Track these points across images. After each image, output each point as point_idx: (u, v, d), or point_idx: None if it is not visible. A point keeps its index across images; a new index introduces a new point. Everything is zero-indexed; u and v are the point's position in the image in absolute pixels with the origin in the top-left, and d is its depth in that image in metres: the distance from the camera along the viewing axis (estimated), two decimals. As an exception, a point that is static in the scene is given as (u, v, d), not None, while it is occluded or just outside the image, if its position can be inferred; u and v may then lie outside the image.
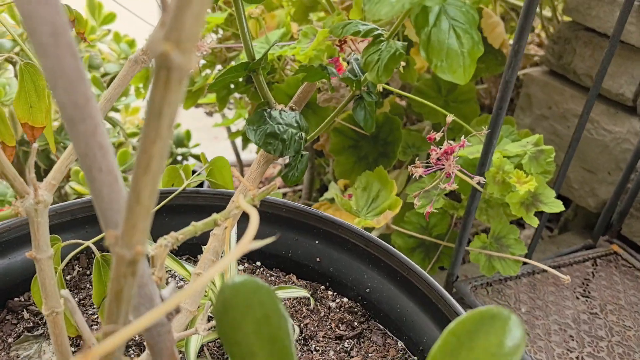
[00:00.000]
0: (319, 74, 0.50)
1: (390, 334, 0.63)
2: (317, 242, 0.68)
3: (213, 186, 0.69)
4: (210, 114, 1.80)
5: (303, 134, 0.53)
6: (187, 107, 1.20)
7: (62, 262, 0.53)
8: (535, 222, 0.80)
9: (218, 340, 0.57)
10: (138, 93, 1.22)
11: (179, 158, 1.55)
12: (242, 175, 1.72)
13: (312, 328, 0.61)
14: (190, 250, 0.72)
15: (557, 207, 0.80)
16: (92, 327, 0.61)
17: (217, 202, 0.69)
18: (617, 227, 1.13)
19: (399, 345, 0.61)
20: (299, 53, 0.84)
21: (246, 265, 0.70)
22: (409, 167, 0.71)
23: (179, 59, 0.20)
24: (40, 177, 1.24)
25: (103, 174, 0.27)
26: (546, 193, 0.82)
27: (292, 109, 0.54)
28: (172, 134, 0.23)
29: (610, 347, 0.85)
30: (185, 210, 0.70)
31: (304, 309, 0.64)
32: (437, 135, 0.67)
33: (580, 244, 1.38)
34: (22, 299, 0.63)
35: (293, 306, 0.64)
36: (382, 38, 0.43)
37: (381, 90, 0.62)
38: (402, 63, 0.78)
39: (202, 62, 1.12)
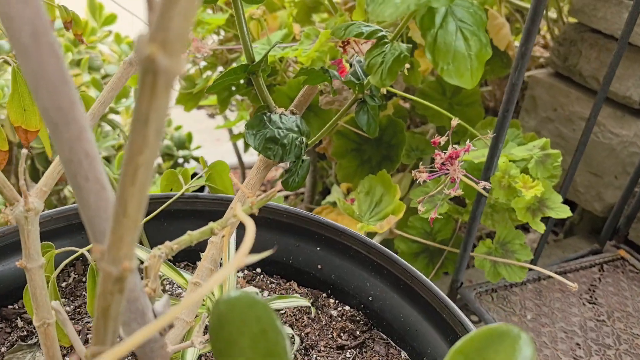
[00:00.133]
0: (320, 77, 0.48)
1: (393, 344, 0.61)
2: (318, 248, 0.66)
3: (212, 191, 0.68)
4: (212, 115, 1.79)
5: (304, 139, 0.51)
6: (188, 110, 1.19)
7: (56, 269, 0.52)
8: (541, 227, 0.78)
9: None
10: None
11: (180, 161, 1.54)
12: (244, 178, 1.71)
13: (313, 337, 0.60)
14: (189, 257, 0.71)
15: (564, 212, 0.79)
16: (88, 336, 0.60)
17: (216, 207, 0.67)
18: (624, 231, 1.11)
19: (402, 355, 0.60)
20: (301, 55, 0.83)
21: (246, 272, 0.69)
22: (413, 171, 0.70)
23: (166, 62, 0.18)
24: (39, 181, 1.23)
25: (90, 182, 0.25)
26: (553, 198, 0.81)
27: (292, 113, 0.53)
28: (161, 143, 0.21)
29: (618, 355, 0.83)
30: (183, 216, 0.68)
31: (304, 317, 0.62)
32: (442, 140, 0.65)
33: (586, 248, 1.36)
34: (16, 307, 0.62)
35: (294, 314, 0.62)
36: (385, 40, 0.42)
37: (385, 93, 0.60)
38: (407, 65, 0.77)
39: (203, 63, 1.10)
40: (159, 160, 1.63)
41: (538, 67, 1.44)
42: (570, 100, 1.24)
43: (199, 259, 0.56)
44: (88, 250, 0.52)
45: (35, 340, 0.58)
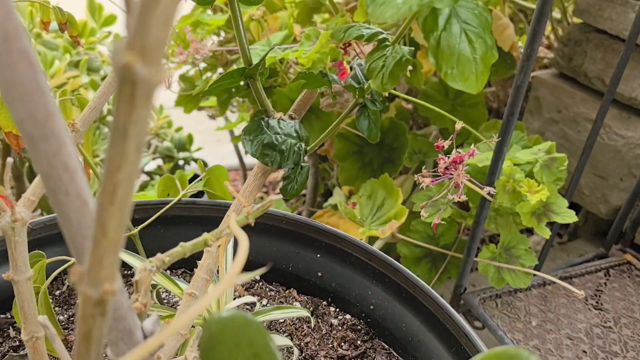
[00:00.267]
0: (319, 81, 0.46)
1: (395, 354, 0.59)
2: (318, 255, 0.64)
3: (210, 196, 0.66)
4: (213, 116, 1.78)
5: (303, 145, 0.50)
6: (188, 111, 1.17)
7: (48, 278, 0.50)
8: (547, 233, 0.76)
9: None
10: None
11: (181, 162, 1.52)
12: (245, 179, 1.69)
13: (313, 347, 0.58)
14: (186, 264, 0.69)
15: (570, 217, 0.77)
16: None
17: (214, 213, 0.66)
18: (631, 235, 1.09)
19: (405, 365, 0.58)
20: (302, 56, 0.81)
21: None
22: (416, 175, 0.68)
23: (145, 71, 0.17)
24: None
25: (70, 197, 0.24)
26: (558, 202, 0.79)
27: (291, 118, 0.51)
28: (141, 158, 0.19)
29: (625, 363, 0.82)
30: (180, 222, 0.67)
31: (304, 326, 0.61)
32: (445, 144, 0.64)
33: (591, 251, 1.34)
34: (9, 316, 0.60)
35: (293, 323, 0.61)
36: (387, 43, 0.40)
37: (386, 95, 0.59)
38: (409, 67, 0.75)
39: (203, 65, 1.09)
40: (159, 162, 1.62)
41: (542, 68, 1.42)
42: (575, 102, 1.22)
43: (197, 266, 0.55)
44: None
45: (28, 350, 0.57)
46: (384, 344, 0.61)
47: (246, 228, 0.37)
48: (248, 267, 0.69)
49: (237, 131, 1.60)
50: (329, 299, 0.65)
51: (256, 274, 0.26)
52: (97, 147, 1.14)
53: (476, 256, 0.86)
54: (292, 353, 0.55)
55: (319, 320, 0.62)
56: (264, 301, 0.64)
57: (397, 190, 0.85)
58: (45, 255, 0.49)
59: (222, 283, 0.24)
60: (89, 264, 0.22)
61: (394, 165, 0.97)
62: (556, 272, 0.99)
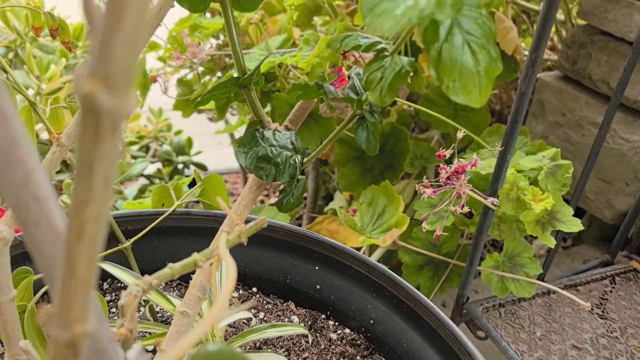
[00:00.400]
0: (315, 93, 0.45)
1: (396, 370, 0.58)
2: (317, 267, 0.63)
3: (206, 207, 0.65)
4: (212, 119, 1.76)
5: (299, 157, 0.48)
6: (186, 116, 1.16)
7: (35, 295, 0.48)
8: (552, 242, 0.74)
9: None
10: (135, 101, 1.17)
11: (180, 166, 1.51)
12: (245, 182, 1.67)
13: (311, 363, 0.56)
14: (182, 276, 0.67)
15: (576, 226, 0.75)
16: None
17: (209, 224, 0.64)
18: (637, 242, 1.07)
19: (406, 382, 0.56)
20: (300, 61, 0.79)
21: (241, 292, 0.65)
22: (417, 185, 0.66)
23: (110, 102, 0.15)
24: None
25: (41, 228, 0.22)
26: (563, 210, 0.77)
27: (287, 129, 0.49)
28: (112, 193, 0.18)
29: (632, 374, 0.80)
30: (175, 233, 0.65)
31: (302, 341, 0.59)
32: (447, 153, 0.62)
33: (596, 256, 1.32)
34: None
35: (291, 338, 0.59)
36: (385, 53, 0.38)
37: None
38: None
39: (201, 69, 1.07)
40: (159, 165, 1.60)
41: (545, 70, 1.40)
42: (579, 105, 1.20)
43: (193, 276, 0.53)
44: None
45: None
46: (384, 359, 0.59)
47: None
48: (244, 279, 0.67)
49: (237, 134, 1.58)
50: (328, 313, 0.63)
51: (243, 309, 0.25)
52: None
53: (479, 264, 0.84)
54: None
55: (318, 335, 0.61)
56: (261, 314, 0.62)
57: (398, 198, 0.83)
58: (32, 271, 0.48)
59: (207, 320, 0.23)
60: (58, 304, 0.20)
61: (395, 171, 0.95)
62: (561, 279, 0.97)
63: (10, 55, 1.12)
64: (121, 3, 0.14)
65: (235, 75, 0.49)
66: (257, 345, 0.56)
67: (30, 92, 1.05)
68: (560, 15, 1.36)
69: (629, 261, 1.05)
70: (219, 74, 1.10)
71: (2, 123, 0.19)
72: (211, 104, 1.27)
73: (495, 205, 0.72)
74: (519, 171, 0.78)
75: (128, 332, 0.32)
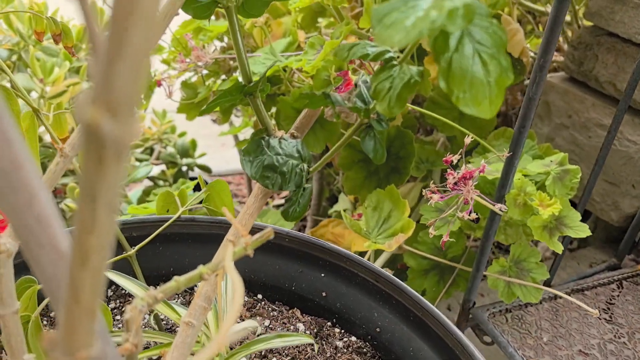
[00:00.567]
0: (322, 102, 0.44)
1: (402, 379, 0.57)
2: (322, 275, 0.62)
3: (211, 213, 0.64)
4: (217, 121, 1.76)
5: (305, 166, 0.47)
6: (190, 119, 1.15)
7: (40, 304, 0.48)
8: (559, 248, 0.74)
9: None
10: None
11: (184, 169, 1.50)
12: (250, 184, 1.67)
13: (316, 372, 0.56)
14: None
15: (583, 231, 0.74)
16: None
17: (214, 230, 0.64)
18: (644, 245, 1.06)
19: (413, 391, 0.56)
20: (305, 65, 0.79)
21: (246, 298, 0.65)
22: (424, 190, 0.66)
23: (114, 129, 0.14)
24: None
25: (45, 250, 0.22)
26: (571, 215, 0.76)
27: (293, 136, 0.49)
28: (116, 219, 0.17)
29: (640, 381, 0.79)
30: (180, 239, 0.65)
31: (308, 349, 0.58)
32: (455, 158, 0.61)
33: (602, 258, 1.31)
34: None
35: (296, 346, 0.58)
36: (394, 62, 0.38)
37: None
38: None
39: (205, 72, 1.07)
40: (163, 167, 1.60)
41: (551, 71, 1.39)
42: (585, 107, 1.20)
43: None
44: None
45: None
46: (390, 368, 0.58)
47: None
48: (249, 286, 0.66)
49: (242, 136, 1.58)
50: (334, 320, 0.63)
51: (249, 329, 0.24)
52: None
53: (485, 270, 0.83)
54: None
55: (324, 342, 0.60)
56: (267, 322, 0.61)
57: (403, 203, 0.82)
58: (37, 280, 0.47)
59: (213, 345, 0.22)
60: (62, 331, 0.19)
61: (400, 175, 0.94)
62: (568, 284, 0.96)
63: (14, 57, 1.12)
64: (124, 29, 0.13)
65: (240, 79, 0.48)
66: (263, 353, 0.56)
67: (34, 95, 1.05)
68: (566, 17, 1.35)
69: (636, 265, 1.04)
70: (223, 77, 1.09)
71: (5, 147, 0.19)
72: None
73: (502, 211, 0.72)
74: (525, 176, 0.77)
75: (133, 347, 0.32)
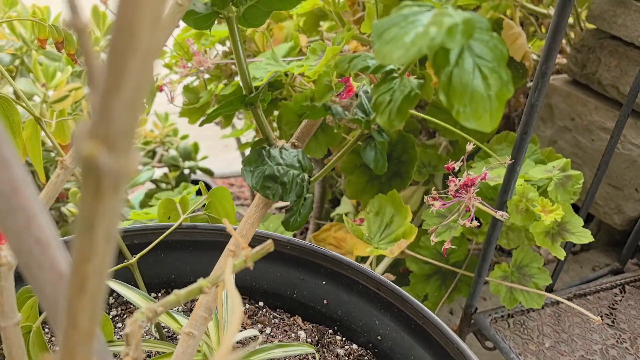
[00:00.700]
0: (322, 113, 0.44)
1: (404, 387, 0.57)
2: (324, 282, 0.62)
3: (213, 221, 0.64)
4: (219, 124, 1.76)
5: (306, 176, 0.47)
6: (193, 122, 1.15)
7: (41, 315, 0.48)
8: (562, 254, 0.74)
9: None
10: (141, 108, 1.16)
11: (187, 172, 1.50)
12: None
13: (318, 380, 0.56)
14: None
15: (586, 237, 0.74)
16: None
17: (216, 237, 0.63)
18: (647, 249, 1.06)
19: (414, 399, 0.56)
20: (307, 71, 0.79)
21: (247, 306, 0.65)
22: (425, 197, 0.65)
23: (111, 162, 0.14)
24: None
25: (44, 271, 0.22)
26: (573, 221, 0.76)
27: (294, 146, 0.49)
28: (112, 248, 0.17)
29: (643, 387, 0.79)
30: (181, 247, 0.65)
31: (309, 357, 0.58)
32: (456, 165, 0.61)
33: (605, 262, 1.31)
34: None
35: (297, 355, 0.58)
36: (394, 75, 0.38)
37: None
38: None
39: (207, 76, 1.07)
40: (165, 169, 1.60)
41: (554, 73, 1.39)
42: (588, 110, 1.19)
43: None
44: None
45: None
46: (392, 376, 0.58)
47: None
48: (250, 293, 0.66)
49: (244, 138, 1.58)
50: (335, 328, 0.63)
51: (249, 334, 0.24)
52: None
53: (487, 275, 0.83)
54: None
55: (325, 350, 0.60)
56: (268, 330, 0.61)
57: (406, 208, 0.82)
58: (38, 291, 0.47)
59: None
60: (60, 354, 0.19)
61: (402, 179, 0.94)
62: (570, 289, 0.96)
63: (17, 62, 1.12)
64: (122, 63, 0.13)
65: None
66: (264, 362, 0.55)
67: (37, 100, 1.05)
68: (569, 19, 1.34)
69: (639, 269, 1.04)
70: (224, 81, 1.09)
71: (3, 170, 0.19)
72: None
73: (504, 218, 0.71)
74: (527, 181, 0.77)
75: (133, 362, 0.32)
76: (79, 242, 0.16)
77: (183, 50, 1.00)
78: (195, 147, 1.56)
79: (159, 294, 0.67)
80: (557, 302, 0.92)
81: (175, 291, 0.35)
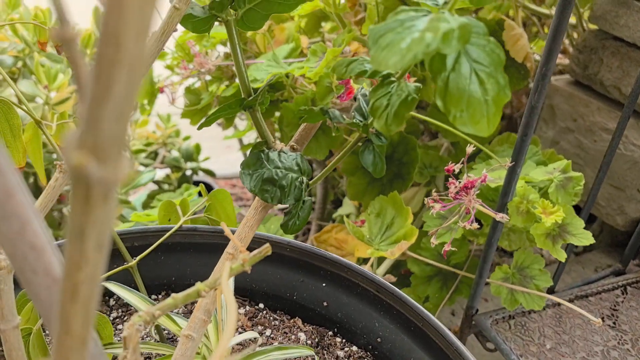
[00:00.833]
0: (319, 117, 0.44)
1: (403, 390, 0.57)
2: (324, 284, 0.62)
3: (212, 223, 0.64)
4: (222, 125, 1.76)
5: (304, 179, 0.47)
6: (194, 123, 1.15)
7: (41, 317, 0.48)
8: (562, 256, 0.73)
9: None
10: (143, 110, 1.17)
11: (189, 172, 1.51)
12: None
13: (317, 382, 0.56)
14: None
15: (587, 239, 0.74)
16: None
17: (216, 239, 0.64)
18: (649, 250, 1.06)
19: (414, 402, 0.56)
20: (307, 73, 0.79)
21: (248, 308, 0.65)
22: (426, 199, 0.65)
23: (100, 172, 0.14)
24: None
25: (39, 276, 0.22)
26: (574, 223, 0.76)
27: (293, 149, 0.49)
28: (104, 256, 0.17)
29: (644, 389, 0.79)
30: (182, 249, 0.65)
31: (308, 359, 0.58)
32: (457, 167, 0.61)
33: (607, 263, 1.30)
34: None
35: (296, 358, 0.58)
36: (391, 79, 0.38)
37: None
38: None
39: (208, 77, 1.07)
40: (168, 170, 1.60)
41: (556, 74, 1.39)
42: (590, 110, 1.19)
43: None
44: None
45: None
46: (392, 378, 0.58)
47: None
48: (250, 295, 0.67)
49: (246, 139, 1.58)
50: (335, 330, 0.63)
51: (249, 336, 0.24)
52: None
53: (488, 277, 0.83)
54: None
55: (325, 352, 0.60)
56: (268, 331, 0.62)
57: (407, 210, 0.82)
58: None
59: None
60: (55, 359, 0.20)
61: (403, 180, 0.94)
62: (572, 290, 0.96)
63: (19, 64, 1.12)
64: (109, 74, 0.13)
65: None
66: (263, 364, 0.56)
67: (39, 102, 1.05)
68: (571, 19, 1.34)
69: (641, 270, 1.04)
70: (226, 82, 1.09)
71: (-4, 178, 0.19)
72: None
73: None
74: (528, 183, 0.77)
75: (130, 366, 0.32)
76: (71, 250, 0.16)
77: (184, 52, 1.00)
78: (197, 148, 1.57)
79: (159, 296, 0.67)
80: (559, 304, 0.92)
81: (173, 295, 0.35)
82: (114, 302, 0.65)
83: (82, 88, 0.14)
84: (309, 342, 0.61)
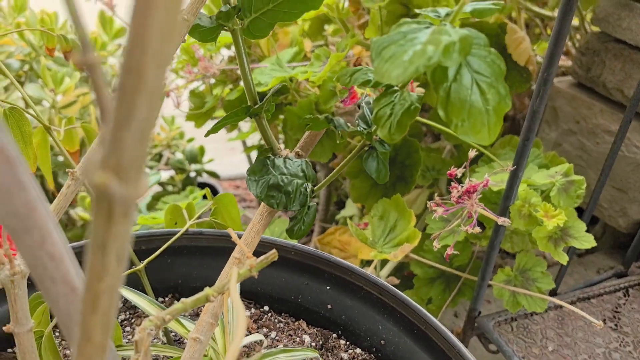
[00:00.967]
0: (324, 125, 0.45)
1: (407, 391, 0.58)
2: (328, 287, 0.63)
3: (218, 226, 0.65)
4: (226, 128, 1.76)
5: (309, 185, 0.48)
6: (199, 126, 1.17)
7: (53, 320, 0.49)
8: (564, 259, 0.74)
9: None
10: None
11: (193, 174, 1.52)
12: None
13: (322, 384, 0.57)
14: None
15: (589, 242, 0.75)
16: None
17: (222, 243, 0.65)
18: (651, 252, 1.06)
19: (417, 403, 0.57)
20: (311, 77, 0.80)
21: (253, 310, 0.66)
22: (429, 203, 0.66)
23: (122, 191, 0.15)
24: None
25: (58, 285, 0.23)
26: (576, 226, 0.77)
27: (298, 155, 0.50)
28: (124, 268, 0.18)
29: (645, 390, 0.79)
30: (188, 252, 0.66)
31: (314, 361, 0.59)
32: (459, 172, 0.62)
33: (609, 264, 1.31)
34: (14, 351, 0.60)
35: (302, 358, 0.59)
36: (394, 88, 0.39)
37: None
38: (421, 90, 0.73)
39: (212, 81, 1.08)
40: (172, 172, 1.61)
41: (558, 75, 1.39)
42: (593, 113, 1.20)
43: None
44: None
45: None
46: (395, 380, 0.59)
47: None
48: (256, 298, 0.67)
49: (249, 141, 1.59)
50: (339, 332, 0.63)
51: (254, 339, 0.25)
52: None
53: (491, 279, 0.84)
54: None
55: (329, 354, 0.61)
56: (273, 334, 0.63)
57: (409, 212, 0.83)
58: (48, 297, 0.48)
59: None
60: (73, 366, 0.21)
61: (406, 183, 0.95)
62: (574, 292, 0.96)
63: (26, 67, 1.14)
64: (131, 101, 0.14)
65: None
66: (269, 366, 0.56)
67: (45, 105, 1.06)
68: (573, 22, 1.35)
69: (643, 272, 1.04)
70: (230, 86, 1.10)
71: (20, 192, 0.20)
72: (222, 112, 1.28)
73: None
74: (530, 186, 0.78)
75: (142, 369, 0.33)
76: (92, 262, 0.17)
77: (189, 56, 1.01)
78: (202, 150, 1.58)
79: (166, 299, 0.68)
80: (561, 306, 0.92)
81: (183, 300, 0.36)
82: (122, 304, 0.66)
83: (104, 111, 0.15)
84: (313, 344, 0.61)
